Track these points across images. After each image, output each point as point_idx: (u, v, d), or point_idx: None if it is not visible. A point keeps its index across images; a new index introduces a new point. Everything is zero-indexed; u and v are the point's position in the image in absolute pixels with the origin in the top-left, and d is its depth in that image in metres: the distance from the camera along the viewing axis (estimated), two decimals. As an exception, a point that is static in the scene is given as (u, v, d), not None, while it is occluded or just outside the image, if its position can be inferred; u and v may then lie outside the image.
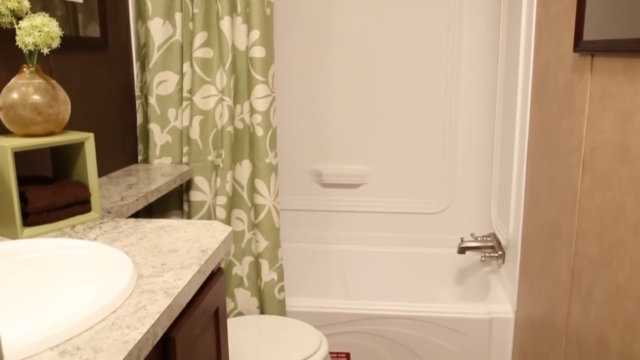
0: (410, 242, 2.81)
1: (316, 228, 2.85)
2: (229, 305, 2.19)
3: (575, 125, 1.51)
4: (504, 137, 2.36)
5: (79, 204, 1.34)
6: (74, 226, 1.32)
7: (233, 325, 1.93)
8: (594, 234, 1.38)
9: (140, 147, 2.11)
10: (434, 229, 2.78)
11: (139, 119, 2.10)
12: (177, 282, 0.99)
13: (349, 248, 2.83)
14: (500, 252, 2.38)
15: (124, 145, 2.03)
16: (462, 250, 2.48)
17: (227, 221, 2.09)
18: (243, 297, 2.20)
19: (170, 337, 0.96)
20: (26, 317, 0.99)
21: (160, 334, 0.87)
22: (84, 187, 1.34)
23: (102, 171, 1.86)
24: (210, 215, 2.06)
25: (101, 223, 1.35)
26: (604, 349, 1.32)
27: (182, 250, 1.15)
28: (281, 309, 2.17)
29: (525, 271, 2.01)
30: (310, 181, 2.79)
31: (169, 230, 1.28)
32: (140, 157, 2.12)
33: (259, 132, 2.04)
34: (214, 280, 1.20)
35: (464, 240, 2.49)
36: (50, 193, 1.28)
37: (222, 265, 2.12)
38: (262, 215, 2.11)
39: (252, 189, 2.12)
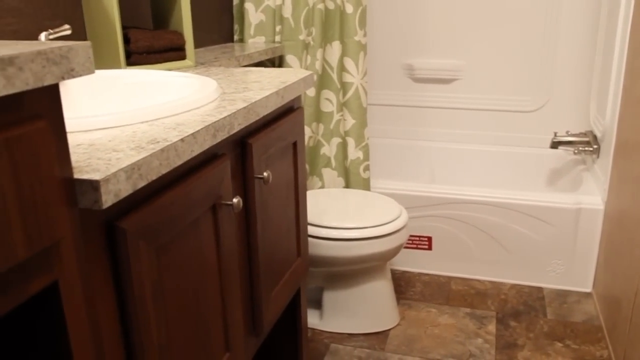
0: (503, 141, 2.76)
1: (406, 124, 2.86)
2: (316, 184, 2.30)
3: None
4: (610, 18, 2.22)
5: (175, 50, 1.45)
6: (169, 70, 1.43)
7: (318, 194, 2.03)
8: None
9: (235, 27, 2.21)
10: (529, 127, 2.71)
11: (235, -1, 2.19)
12: (255, 96, 1.08)
13: (438, 145, 2.83)
14: (595, 146, 2.29)
15: (220, 23, 2.13)
16: (555, 144, 2.41)
17: (316, 100, 2.16)
18: (330, 176, 2.29)
19: (248, 142, 1.05)
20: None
21: (235, 127, 0.96)
22: (179, 35, 1.45)
23: (199, 44, 1.97)
24: (300, 93, 2.13)
25: (194, 68, 1.46)
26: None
27: (264, 82, 1.23)
28: (366, 188, 2.24)
29: (619, 159, 1.94)
30: (402, 76, 2.79)
31: (254, 72, 1.37)
32: (235, 37, 2.22)
33: (349, 9, 2.06)
34: (294, 113, 1.28)
35: (557, 134, 2.41)
36: (150, 36, 1.39)
37: (311, 144, 2.21)
38: (349, 94, 2.16)
39: (341, 68, 2.16)
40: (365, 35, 2.11)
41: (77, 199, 0.64)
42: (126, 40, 1.38)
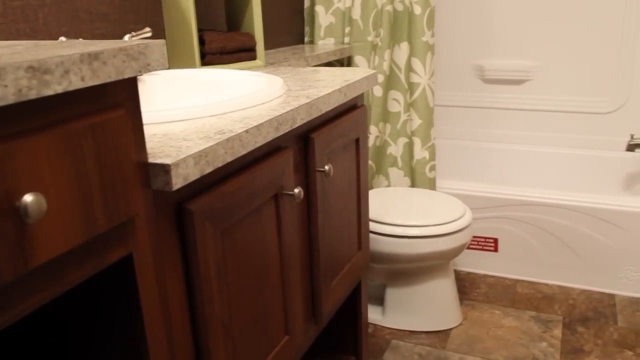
0: (577, 144, 2.68)
1: (476, 125, 2.84)
2: (383, 183, 2.33)
3: None
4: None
5: (246, 51, 1.53)
6: (240, 69, 1.51)
7: (383, 192, 2.06)
8: None
9: (306, 29, 2.28)
10: (605, 130, 2.62)
11: (306, 2, 2.26)
12: (318, 93, 1.13)
13: (509, 147, 2.79)
14: (675, 149, 2.20)
15: (291, 25, 2.21)
16: (631, 147, 2.33)
17: (384, 100, 2.20)
18: (396, 176, 2.32)
19: (310, 136, 1.11)
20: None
21: (298, 121, 1.02)
22: (250, 36, 1.53)
23: (271, 45, 2.05)
24: (367, 93, 2.18)
25: (264, 68, 1.53)
26: None
27: (328, 80, 1.28)
28: (431, 188, 2.25)
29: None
30: (472, 77, 2.77)
31: (320, 71, 1.43)
32: (306, 39, 2.29)
33: (417, 10, 2.09)
34: (357, 111, 1.32)
35: (634, 137, 2.33)
36: (223, 38, 1.48)
37: (377, 144, 2.25)
38: (416, 94, 2.18)
39: (409, 69, 2.19)
40: (433, 35, 2.13)
41: (151, 181, 0.71)
42: (201, 42, 1.47)
